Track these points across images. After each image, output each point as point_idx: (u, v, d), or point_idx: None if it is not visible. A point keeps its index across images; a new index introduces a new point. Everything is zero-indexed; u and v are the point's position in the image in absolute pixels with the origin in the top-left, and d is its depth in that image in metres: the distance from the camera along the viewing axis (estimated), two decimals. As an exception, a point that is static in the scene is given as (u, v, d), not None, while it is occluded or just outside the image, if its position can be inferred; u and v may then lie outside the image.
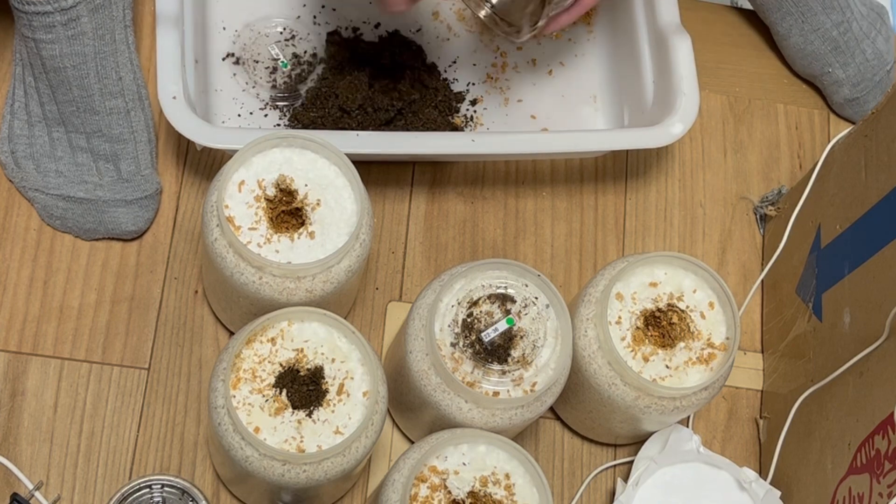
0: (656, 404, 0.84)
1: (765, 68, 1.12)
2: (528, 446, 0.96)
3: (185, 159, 0.99)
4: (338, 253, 0.81)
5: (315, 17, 1.04)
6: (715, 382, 0.85)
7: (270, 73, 1.01)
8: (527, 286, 0.84)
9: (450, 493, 0.78)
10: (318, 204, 0.82)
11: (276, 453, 0.76)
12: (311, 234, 0.82)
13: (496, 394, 0.81)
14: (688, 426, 0.96)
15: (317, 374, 0.78)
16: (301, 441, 0.77)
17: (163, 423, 0.92)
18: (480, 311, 0.83)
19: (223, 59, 1.01)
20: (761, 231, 1.06)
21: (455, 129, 1.01)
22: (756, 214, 1.06)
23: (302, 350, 0.79)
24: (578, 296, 0.89)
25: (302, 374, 0.78)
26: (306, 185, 0.83)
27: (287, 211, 0.83)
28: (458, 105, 1.03)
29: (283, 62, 0.99)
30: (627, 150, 1.06)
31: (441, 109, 1.01)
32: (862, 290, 0.85)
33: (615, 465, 0.96)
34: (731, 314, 0.86)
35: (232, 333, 0.92)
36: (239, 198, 0.82)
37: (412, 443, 0.93)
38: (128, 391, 0.92)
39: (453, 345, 0.81)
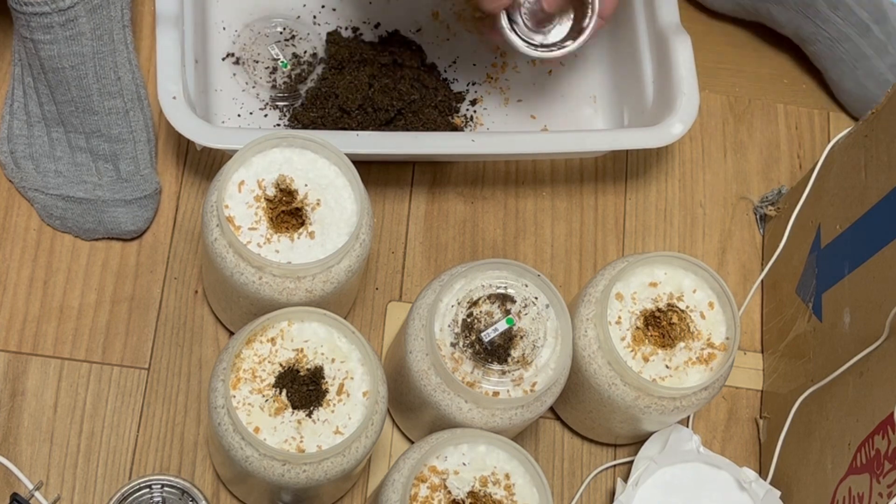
0: (656, 404, 0.84)
1: (765, 68, 1.12)
2: (528, 446, 0.96)
3: (185, 159, 0.99)
4: (338, 253, 0.81)
5: (315, 17, 1.04)
6: (715, 382, 0.85)
7: (270, 73, 1.01)
8: (527, 286, 0.84)
9: (450, 493, 0.78)
10: (318, 204, 0.82)
11: (276, 453, 0.76)
12: (311, 234, 0.82)
13: (496, 394, 0.81)
14: (688, 426, 0.96)
15: (317, 374, 0.78)
16: (301, 441, 0.77)
17: (163, 423, 0.92)
18: (480, 311, 0.83)
19: (223, 59, 1.01)
20: (761, 231, 1.06)
21: (455, 129, 1.01)
22: (756, 214, 1.06)
23: (302, 350, 0.79)
24: (578, 296, 0.89)
25: (302, 374, 0.78)
26: (306, 185, 0.83)
27: (287, 211, 0.83)
28: (458, 105, 1.03)
29: (283, 62, 0.99)
30: (627, 150, 1.06)
31: (441, 109, 1.01)
32: (862, 290, 0.85)
33: (615, 465, 0.96)
34: (731, 314, 0.86)
35: (232, 333, 0.92)
36: (239, 198, 0.82)
37: (412, 443, 0.93)
38: (128, 391, 0.92)
39: (453, 345, 0.81)
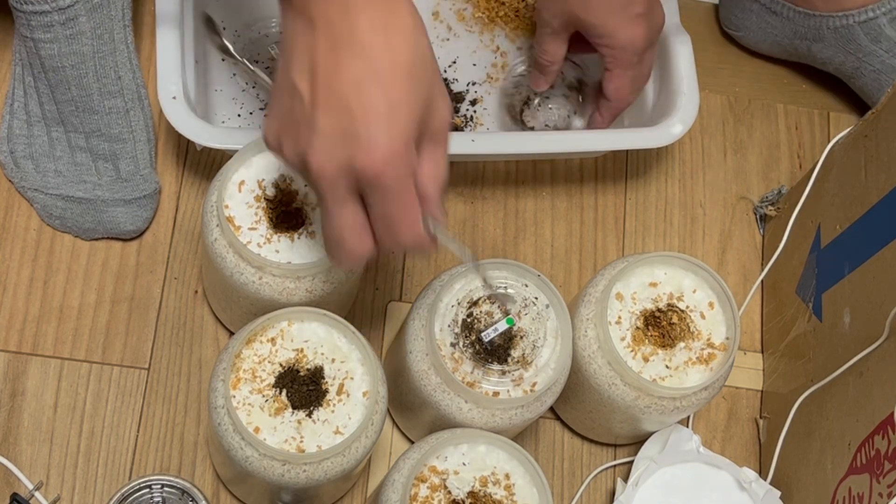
0: (656, 404, 0.84)
1: (765, 68, 1.12)
2: (528, 446, 0.96)
3: (185, 159, 0.99)
4: (338, 253, 0.81)
5: (315, 16, 1.04)
6: (715, 382, 0.85)
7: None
8: (527, 286, 0.84)
9: (450, 493, 0.78)
10: (318, 204, 0.82)
11: (276, 453, 0.76)
12: (312, 234, 0.82)
13: (496, 394, 0.81)
14: (688, 426, 0.96)
15: (317, 374, 0.78)
16: (301, 441, 0.77)
17: (163, 423, 0.92)
18: (480, 311, 0.83)
19: (223, 60, 1.01)
20: (761, 231, 1.06)
21: (455, 129, 1.01)
22: (756, 214, 1.06)
23: (302, 350, 0.79)
24: (578, 296, 0.89)
25: (302, 374, 0.78)
26: (306, 185, 0.83)
27: (287, 211, 0.83)
28: (458, 105, 1.03)
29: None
30: (627, 150, 1.06)
31: (441, 109, 1.01)
32: (862, 290, 0.85)
33: (615, 465, 0.96)
34: (730, 314, 0.86)
35: (232, 333, 0.92)
36: (239, 198, 0.82)
37: (412, 443, 0.93)
38: (128, 391, 0.92)
39: (453, 345, 0.81)
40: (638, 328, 0.86)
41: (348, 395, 0.78)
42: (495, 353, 0.81)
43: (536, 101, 1.02)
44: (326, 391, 0.78)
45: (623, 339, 0.85)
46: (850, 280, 0.87)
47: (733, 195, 1.07)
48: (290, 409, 0.77)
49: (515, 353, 0.82)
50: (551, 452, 0.96)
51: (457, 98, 1.03)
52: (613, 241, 1.03)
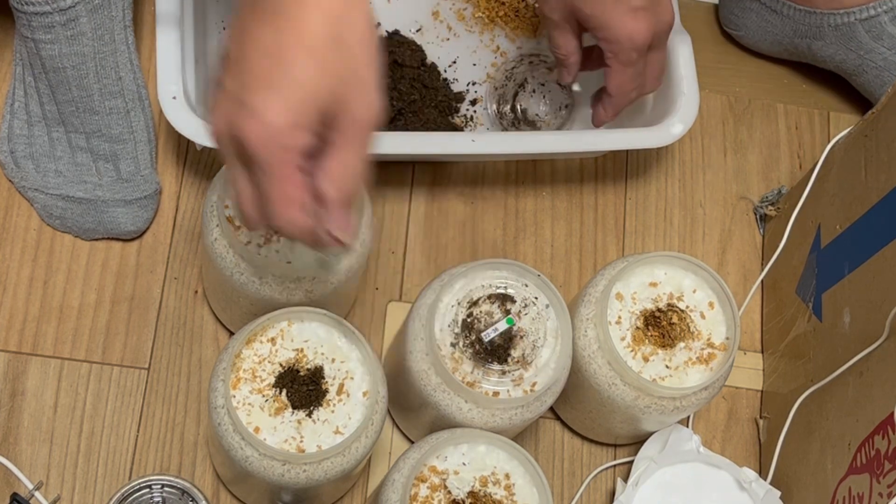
0: (656, 404, 0.84)
1: (765, 68, 1.12)
2: (528, 446, 0.95)
3: (185, 159, 0.99)
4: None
5: (315, 17, 1.04)
6: (715, 382, 0.85)
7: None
8: (527, 286, 0.84)
9: (450, 493, 0.78)
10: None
11: (276, 453, 0.76)
12: (311, 234, 0.82)
13: (496, 394, 0.81)
14: (688, 426, 0.96)
15: (317, 374, 0.78)
16: (301, 441, 0.77)
17: (163, 423, 0.92)
18: (480, 311, 0.83)
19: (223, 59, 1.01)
20: (761, 231, 1.06)
21: (455, 129, 1.01)
22: (756, 214, 1.06)
23: (302, 350, 0.79)
24: (578, 296, 0.89)
25: (302, 374, 0.78)
26: (306, 185, 0.83)
27: (287, 211, 0.83)
28: (458, 105, 1.03)
29: None
30: (627, 150, 1.06)
31: (441, 109, 1.01)
32: (862, 290, 0.85)
33: (615, 465, 0.96)
34: (731, 314, 0.86)
35: (232, 333, 0.92)
36: (239, 198, 0.82)
37: (412, 443, 0.93)
38: (128, 391, 0.92)
39: (453, 345, 0.81)
40: (638, 328, 0.86)
41: (348, 395, 0.78)
42: (495, 353, 0.81)
43: (531, 87, 1.02)
44: (326, 391, 0.78)
45: (623, 339, 0.85)
46: (850, 280, 0.87)
47: (733, 195, 1.07)
48: (290, 409, 0.77)
49: (515, 353, 0.82)
50: (551, 452, 0.96)
51: (457, 98, 1.03)
52: (613, 241, 1.03)
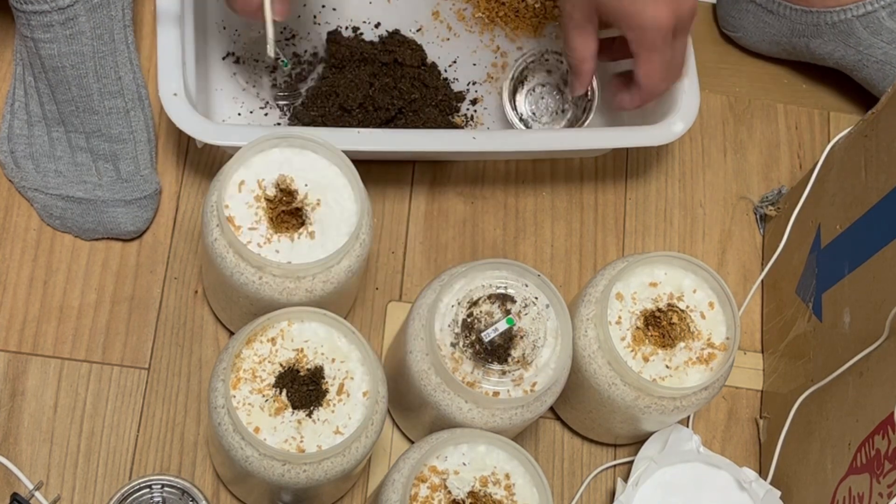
0: (656, 404, 0.84)
1: (765, 68, 1.12)
2: (528, 446, 0.96)
3: (185, 159, 0.99)
4: (338, 253, 0.81)
5: (315, 16, 1.04)
6: (715, 382, 0.85)
7: (271, 72, 1.01)
8: (527, 286, 0.84)
9: (450, 493, 0.78)
10: (318, 204, 0.82)
11: (276, 453, 0.76)
12: (311, 234, 0.82)
13: (496, 394, 0.81)
14: (688, 426, 0.96)
15: (317, 374, 0.78)
16: (301, 441, 0.77)
17: (163, 423, 0.92)
18: (480, 311, 0.83)
19: (223, 59, 1.01)
20: (761, 231, 1.06)
21: (455, 128, 1.01)
22: (756, 214, 1.06)
23: (302, 350, 0.79)
24: (578, 296, 0.89)
25: (302, 374, 0.78)
26: (306, 185, 0.83)
27: (287, 211, 0.83)
28: (459, 105, 1.03)
29: (283, 61, 0.99)
30: (627, 150, 1.06)
31: (441, 109, 1.01)
32: (862, 290, 0.85)
33: (615, 465, 0.96)
34: (731, 314, 0.86)
35: (232, 333, 0.92)
36: (239, 198, 0.82)
37: (412, 443, 0.93)
38: (128, 391, 0.92)
39: (453, 345, 0.81)
40: (638, 328, 0.86)
41: (348, 395, 0.78)
42: (495, 353, 0.81)
43: (531, 85, 1.02)
44: (326, 391, 0.78)
45: (623, 339, 0.85)
46: (850, 280, 0.87)
47: (733, 195, 1.07)
48: (290, 409, 0.77)
49: (515, 353, 0.82)
50: (551, 452, 0.96)
51: (457, 97, 1.03)
52: (613, 241, 1.03)
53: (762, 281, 1.02)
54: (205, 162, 0.99)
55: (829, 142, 0.95)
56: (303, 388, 0.78)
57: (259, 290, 0.81)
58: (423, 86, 1.01)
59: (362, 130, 0.92)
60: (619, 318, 0.86)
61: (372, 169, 1.00)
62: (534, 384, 0.81)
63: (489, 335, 0.82)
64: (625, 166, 1.06)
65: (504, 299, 0.83)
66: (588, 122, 1.00)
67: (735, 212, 1.06)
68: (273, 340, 0.79)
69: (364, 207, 0.82)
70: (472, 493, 0.78)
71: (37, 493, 0.86)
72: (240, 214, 0.82)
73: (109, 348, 0.93)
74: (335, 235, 0.82)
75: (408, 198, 1.01)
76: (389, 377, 0.83)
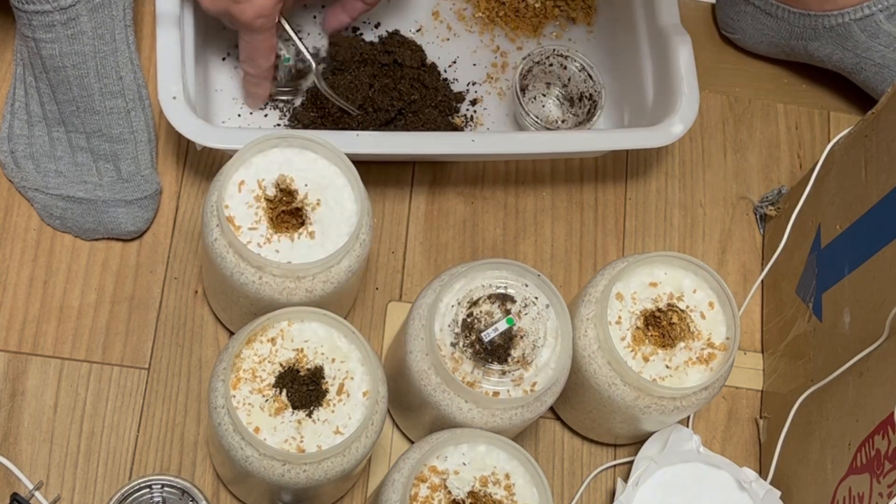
0: (656, 404, 0.84)
1: (765, 68, 1.12)
2: (528, 446, 0.96)
3: (185, 159, 0.99)
4: (338, 253, 0.81)
5: (315, 16, 1.04)
6: (715, 382, 0.85)
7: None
8: (527, 286, 0.84)
9: (450, 493, 0.78)
10: (318, 204, 0.82)
11: (276, 453, 0.76)
12: (311, 234, 0.82)
13: (496, 394, 0.81)
14: (688, 426, 0.96)
15: (317, 374, 0.78)
16: (301, 441, 0.77)
17: (163, 423, 0.92)
18: (480, 311, 0.83)
19: (223, 59, 1.01)
20: (761, 231, 1.06)
21: (455, 129, 1.01)
22: (756, 214, 1.06)
23: (302, 350, 0.79)
24: (578, 296, 0.89)
25: (302, 374, 0.78)
26: (306, 185, 0.83)
27: (287, 211, 0.83)
28: (458, 105, 1.03)
29: (285, 57, 0.99)
30: (627, 150, 1.06)
31: (441, 109, 1.01)
32: (862, 290, 0.85)
33: (615, 465, 0.96)
34: (731, 314, 0.86)
35: (232, 333, 0.92)
36: (239, 198, 0.82)
37: (412, 443, 0.93)
38: (128, 391, 0.92)
39: (453, 345, 0.81)
40: (638, 328, 0.86)
41: (348, 395, 0.78)
42: (495, 353, 0.81)
43: (533, 94, 1.02)
44: (326, 391, 0.78)
45: (623, 339, 0.85)
46: (850, 280, 0.87)
47: (733, 195, 1.07)
48: (290, 409, 0.77)
49: (515, 353, 0.82)
50: (551, 452, 0.96)
51: (457, 98, 1.03)
52: (613, 241, 1.03)
53: (762, 281, 1.02)
54: (205, 162, 0.99)
55: (829, 142, 0.95)
56: (303, 388, 0.78)
57: (259, 290, 0.81)
58: (423, 86, 1.01)
59: (361, 133, 0.92)
60: (619, 318, 0.86)
61: (372, 169, 1.00)
62: (534, 384, 0.81)
63: (489, 335, 0.82)
64: (625, 166, 1.06)
65: (504, 299, 0.83)
66: (592, 126, 1.00)
67: (735, 212, 1.06)
68: (273, 340, 0.79)
69: (364, 207, 0.82)
70: (472, 493, 0.78)
71: (37, 493, 0.87)
72: (240, 214, 0.82)
73: (109, 348, 0.93)
74: (335, 235, 0.82)
75: (408, 198, 1.01)
76: (389, 377, 0.83)
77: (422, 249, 1.00)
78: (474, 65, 1.05)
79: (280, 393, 0.77)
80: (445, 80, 1.03)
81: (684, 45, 0.98)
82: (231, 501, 0.91)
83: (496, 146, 0.95)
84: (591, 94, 1.01)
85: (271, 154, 0.84)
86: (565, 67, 1.02)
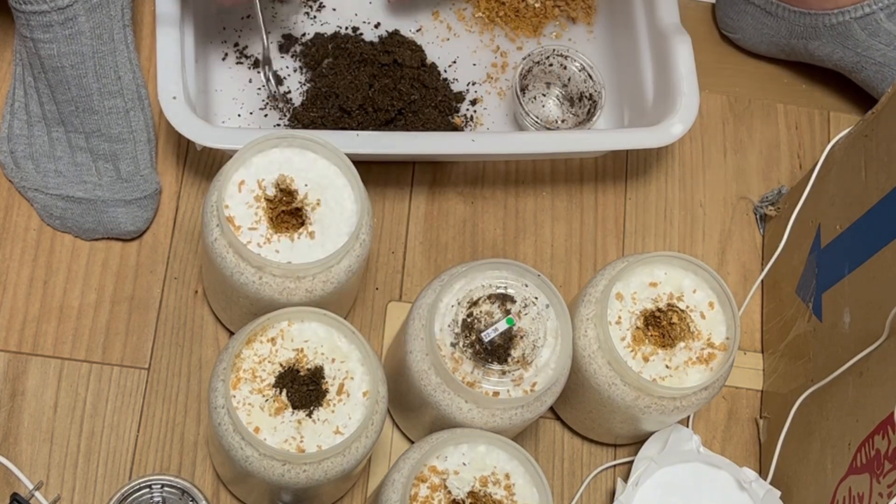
0: (656, 404, 0.84)
1: (765, 68, 1.12)
2: (528, 446, 0.96)
3: (185, 159, 0.99)
4: (338, 253, 0.81)
5: (315, 16, 1.04)
6: (715, 382, 0.85)
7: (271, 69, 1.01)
8: (527, 286, 0.84)
9: (450, 493, 0.78)
10: (318, 204, 0.82)
11: (276, 453, 0.76)
12: (311, 234, 0.82)
13: (496, 394, 0.81)
14: (688, 426, 0.96)
15: (317, 374, 0.78)
16: (301, 441, 0.77)
17: (163, 423, 0.92)
18: (480, 311, 0.83)
19: (223, 59, 1.01)
20: (761, 231, 1.06)
21: (455, 129, 1.01)
22: (756, 214, 1.06)
23: (302, 350, 0.79)
24: (578, 296, 0.89)
25: (302, 374, 0.78)
26: (306, 185, 0.83)
27: (287, 211, 0.83)
28: (458, 105, 1.03)
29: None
30: (627, 150, 1.06)
31: (441, 109, 1.01)
32: (862, 290, 0.85)
33: (615, 465, 0.96)
34: (731, 314, 0.86)
35: (232, 333, 0.92)
36: (239, 198, 0.82)
37: (412, 443, 0.93)
38: (128, 391, 0.92)
39: (453, 345, 0.81)
40: (638, 328, 0.86)
41: (348, 395, 0.78)
42: (495, 353, 0.81)
43: (533, 94, 1.02)
44: (326, 391, 0.78)
45: (623, 339, 0.85)
46: (850, 280, 0.87)
47: (733, 195, 1.07)
48: (290, 409, 0.77)
49: (515, 353, 0.82)
50: (551, 452, 0.96)
51: (457, 98, 1.03)
52: (613, 241, 1.03)
53: (762, 281, 1.02)
54: (205, 162, 0.99)
55: (829, 142, 0.95)
56: (303, 388, 0.78)
57: (259, 290, 0.81)
58: (423, 86, 1.01)
59: (361, 133, 0.92)
60: (619, 318, 0.86)
61: (372, 169, 1.00)
62: (534, 384, 0.81)
63: (489, 335, 0.82)
64: (625, 166, 1.06)
65: (504, 299, 0.83)
66: (592, 126, 1.00)
67: (735, 212, 1.06)
68: (273, 340, 0.79)
69: (364, 207, 0.82)
70: (472, 493, 0.78)
71: (37, 493, 0.86)
72: (240, 214, 0.82)
73: (109, 348, 0.93)
74: (335, 235, 0.82)
75: (408, 198, 1.01)
76: (389, 377, 0.83)
77: (422, 249, 1.00)
78: (474, 65, 1.05)
79: (280, 393, 0.77)
80: (445, 80, 1.03)
81: (684, 44, 0.98)
82: (231, 501, 0.91)
83: (496, 146, 0.95)
84: (591, 94, 1.01)
85: (271, 154, 0.84)
86: (565, 67, 1.02)
